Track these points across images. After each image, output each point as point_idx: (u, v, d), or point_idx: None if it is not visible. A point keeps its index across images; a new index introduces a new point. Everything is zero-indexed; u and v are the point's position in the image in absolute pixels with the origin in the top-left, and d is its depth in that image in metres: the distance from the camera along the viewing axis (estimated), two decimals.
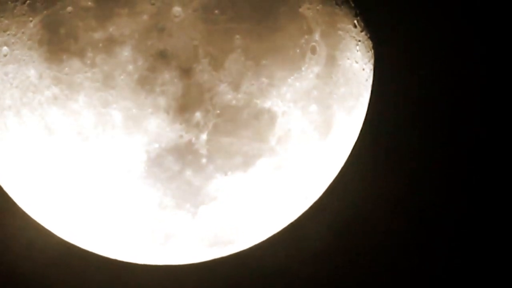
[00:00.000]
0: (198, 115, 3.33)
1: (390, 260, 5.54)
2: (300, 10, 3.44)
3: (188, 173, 3.43)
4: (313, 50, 3.47)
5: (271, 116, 3.42)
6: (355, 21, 3.72)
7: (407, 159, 5.45)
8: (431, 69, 5.30)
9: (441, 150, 5.41)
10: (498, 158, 5.44)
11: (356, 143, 4.03)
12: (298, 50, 3.42)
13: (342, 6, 3.64)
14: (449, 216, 5.48)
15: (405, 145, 5.42)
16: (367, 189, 5.43)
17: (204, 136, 3.37)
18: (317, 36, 3.48)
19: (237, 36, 3.30)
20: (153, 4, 3.25)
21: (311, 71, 3.46)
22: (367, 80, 3.88)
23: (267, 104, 3.39)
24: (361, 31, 3.76)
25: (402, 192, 5.47)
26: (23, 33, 3.37)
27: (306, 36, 3.44)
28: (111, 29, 3.26)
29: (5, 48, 3.41)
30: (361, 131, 4.03)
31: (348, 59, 3.64)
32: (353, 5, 3.73)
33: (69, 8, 3.30)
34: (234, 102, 3.35)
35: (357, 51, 3.71)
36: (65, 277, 5.25)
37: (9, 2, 3.42)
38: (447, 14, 5.20)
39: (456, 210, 5.47)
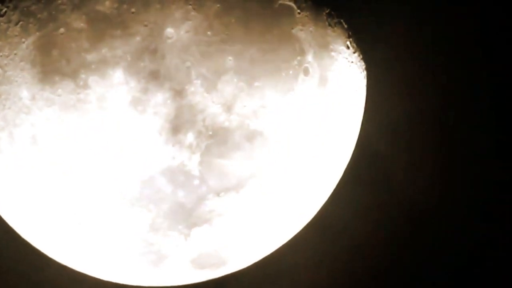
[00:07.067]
0: (190, 136, 3.33)
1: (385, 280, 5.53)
2: (293, 31, 3.44)
3: (181, 194, 3.42)
4: (306, 72, 3.47)
5: (264, 138, 3.41)
6: (348, 43, 3.73)
7: (402, 179, 5.45)
8: (426, 89, 5.31)
9: (436, 171, 5.42)
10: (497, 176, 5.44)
11: (349, 163, 4.03)
12: (291, 72, 3.42)
13: (335, 28, 3.65)
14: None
15: (399, 165, 5.42)
16: (361, 208, 5.42)
17: (196, 158, 3.36)
18: (309, 58, 3.48)
19: (230, 58, 3.31)
20: (145, 26, 3.26)
21: (303, 93, 3.46)
22: (359, 101, 3.89)
23: (260, 125, 3.39)
24: (354, 53, 3.77)
25: (396, 210, 5.47)
26: (15, 54, 3.36)
27: (298, 58, 3.45)
28: (103, 51, 3.26)
29: None
30: (354, 151, 4.03)
31: (341, 80, 3.64)
32: (346, 26, 3.73)
33: (62, 30, 3.30)
34: (226, 123, 3.35)
35: (350, 72, 3.71)
36: None
37: (2, 23, 3.42)
38: (442, 35, 5.22)
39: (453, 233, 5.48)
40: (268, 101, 3.38)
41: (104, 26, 3.27)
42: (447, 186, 5.44)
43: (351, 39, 3.75)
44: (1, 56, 3.40)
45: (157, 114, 3.29)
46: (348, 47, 3.72)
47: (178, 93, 3.28)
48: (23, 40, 3.36)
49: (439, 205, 5.47)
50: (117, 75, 3.26)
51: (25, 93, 3.35)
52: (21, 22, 3.38)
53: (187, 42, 3.28)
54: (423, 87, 5.27)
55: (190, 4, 3.28)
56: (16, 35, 3.38)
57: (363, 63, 3.88)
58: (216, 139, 3.35)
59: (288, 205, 3.68)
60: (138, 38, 3.26)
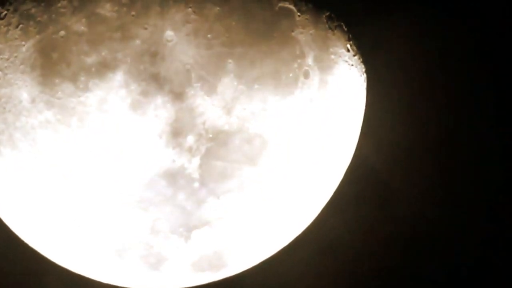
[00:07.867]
0: (190, 139, 3.33)
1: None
2: (293, 34, 3.44)
3: (181, 197, 3.43)
4: (306, 75, 3.47)
5: (263, 141, 3.42)
6: (348, 45, 3.73)
7: (401, 181, 5.45)
8: (426, 91, 5.31)
9: (435, 174, 5.42)
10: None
11: (348, 166, 4.03)
12: (291, 75, 3.42)
13: (335, 31, 3.65)
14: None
15: (399, 167, 5.42)
16: (361, 211, 5.42)
17: (196, 161, 3.36)
18: (310, 61, 3.48)
19: (230, 61, 3.31)
20: (145, 29, 3.26)
21: (303, 96, 3.46)
22: (359, 104, 3.88)
23: (259, 128, 3.39)
24: (354, 55, 3.77)
25: (395, 213, 5.47)
26: (16, 57, 3.37)
27: (299, 61, 3.45)
28: (103, 54, 3.26)
29: None
30: (354, 154, 4.03)
31: (341, 83, 3.64)
32: (346, 29, 3.73)
33: (62, 32, 3.30)
34: (226, 126, 3.35)
35: (350, 75, 3.71)
36: None
37: (2, 26, 3.42)
38: (442, 37, 5.22)
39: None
40: (268, 104, 3.38)
41: (104, 29, 3.27)
42: (447, 189, 5.44)
43: (351, 42, 3.75)
44: (1, 59, 3.41)
45: (157, 117, 3.29)
46: (348, 50, 3.72)
47: (178, 96, 3.28)
48: (23, 43, 3.36)
49: (439, 208, 5.47)
50: (117, 78, 3.26)
51: (25, 96, 3.36)
52: (21, 25, 3.38)
53: (187, 45, 3.28)
54: (423, 89, 5.27)
55: (190, 7, 3.28)
56: (16, 38, 3.38)
57: (363, 66, 3.88)
58: (216, 142, 3.35)
59: (289, 206, 3.68)
60: (138, 41, 3.26)
